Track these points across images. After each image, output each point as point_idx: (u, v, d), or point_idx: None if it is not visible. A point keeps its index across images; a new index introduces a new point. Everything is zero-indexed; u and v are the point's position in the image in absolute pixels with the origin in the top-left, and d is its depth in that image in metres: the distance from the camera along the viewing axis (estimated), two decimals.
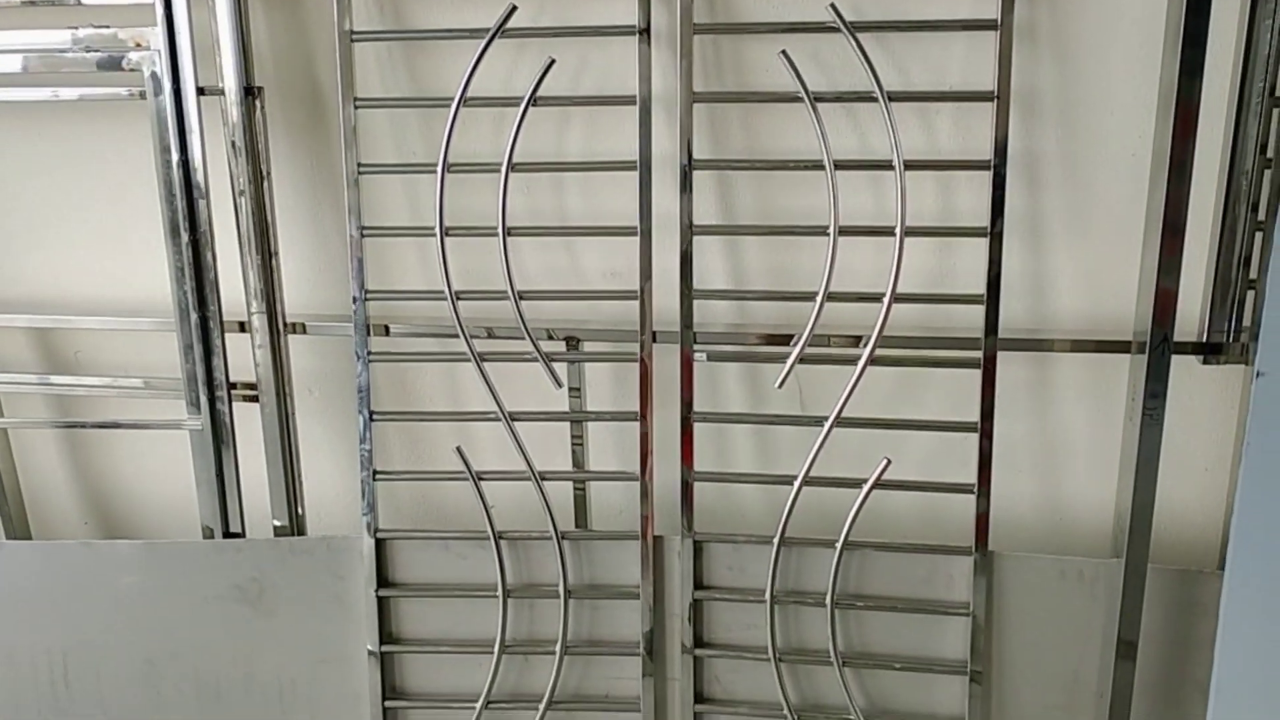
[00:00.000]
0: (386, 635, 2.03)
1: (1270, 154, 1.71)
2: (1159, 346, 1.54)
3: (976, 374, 1.81)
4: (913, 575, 1.90)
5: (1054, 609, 1.86)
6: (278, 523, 2.05)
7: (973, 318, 1.81)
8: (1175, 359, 1.83)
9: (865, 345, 1.78)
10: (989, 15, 1.73)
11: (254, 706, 2.08)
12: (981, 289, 1.78)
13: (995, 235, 1.76)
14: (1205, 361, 1.83)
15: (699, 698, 1.99)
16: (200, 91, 1.87)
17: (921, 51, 1.81)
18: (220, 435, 2.01)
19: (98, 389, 2.12)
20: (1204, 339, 1.81)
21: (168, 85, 1.85)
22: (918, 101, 1.82)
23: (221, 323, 1.97)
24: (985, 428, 1.82)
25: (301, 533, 2.07)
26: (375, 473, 1.97)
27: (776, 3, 1.81)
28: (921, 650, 1.92)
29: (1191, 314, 1.83)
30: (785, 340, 1.88)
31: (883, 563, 1.91)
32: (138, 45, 1.85)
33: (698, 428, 1.92)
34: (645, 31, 1.78)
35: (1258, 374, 1.40)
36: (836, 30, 1.73)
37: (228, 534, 2.05)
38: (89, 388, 2.12)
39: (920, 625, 1.91)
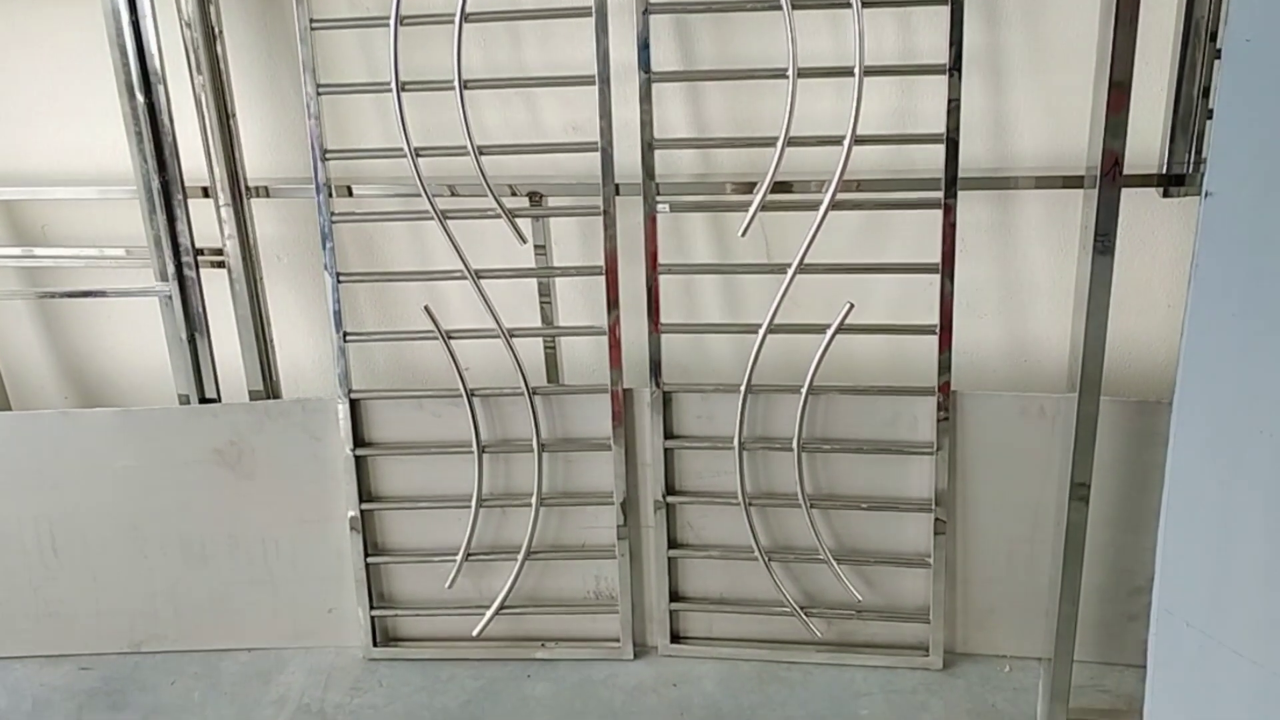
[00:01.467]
0: (365, 494, 2.07)
1: None
2: (1110, 172, 1.53)
3: (938, 213, 1.81)
4: (878, 417, 1.93)
5: (1015, 444, 1.89)
6: (253, 388, 2.07)
7: (935, 159, 1.80)
8: (1137, 193, 1.85)
9: (827, 190, 1.78)
10: None
11: (239, 567, 2.13)
12: (942, 129, 1.77)
13: (954, 72, 1.74)
14: (1166, 194, 1.84)
15: (672, 543, 2.04)
16: None
17: None
18: (189, 302, 2.02)
19: (66, 259, 2.12)
20: (1164, 170, 1.81)
21: None
22: None
23: (184, 187, 1.97)
24: (946, 269, 1.82)
25: (276, 396, 2.10)
26: (346, 334, 1.98)
27: None
28: (888, 490, 1.96)
29: (1151, 148, 1.83)
30: (748, 189, 1.88)
31: (848, 406, 1.93)
32: None
33: (665, 280, 1.93)
34: None
35: (1206, 194, 1.39)
36: None
37: (203, 400, 2.08)
38: (57, 258, 2.12)
39: (886, 466, 1.95)
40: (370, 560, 2.09)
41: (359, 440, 2.03)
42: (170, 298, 2.01)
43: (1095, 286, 1.61)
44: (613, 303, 1.91)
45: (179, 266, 1.99)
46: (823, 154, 1.81)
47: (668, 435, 1.98)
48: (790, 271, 1.84)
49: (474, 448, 1.99)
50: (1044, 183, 1.85)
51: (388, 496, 2.08)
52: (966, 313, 1.99)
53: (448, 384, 1.98)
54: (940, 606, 1.97)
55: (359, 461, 2.04)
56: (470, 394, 1.97)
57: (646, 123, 1.83)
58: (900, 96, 1.89)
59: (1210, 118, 1.76)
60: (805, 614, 2.01)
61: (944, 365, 1.86)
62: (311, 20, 1.85)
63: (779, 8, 1.73)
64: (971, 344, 2.03)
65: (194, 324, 2.03)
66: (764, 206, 1.82)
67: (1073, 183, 1.85)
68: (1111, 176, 1.54)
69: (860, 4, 1.71)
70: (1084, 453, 1.73)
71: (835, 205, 1.80)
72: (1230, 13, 1.37)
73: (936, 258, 1.82)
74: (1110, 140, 1.57)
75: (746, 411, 1.92)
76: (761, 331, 1.87)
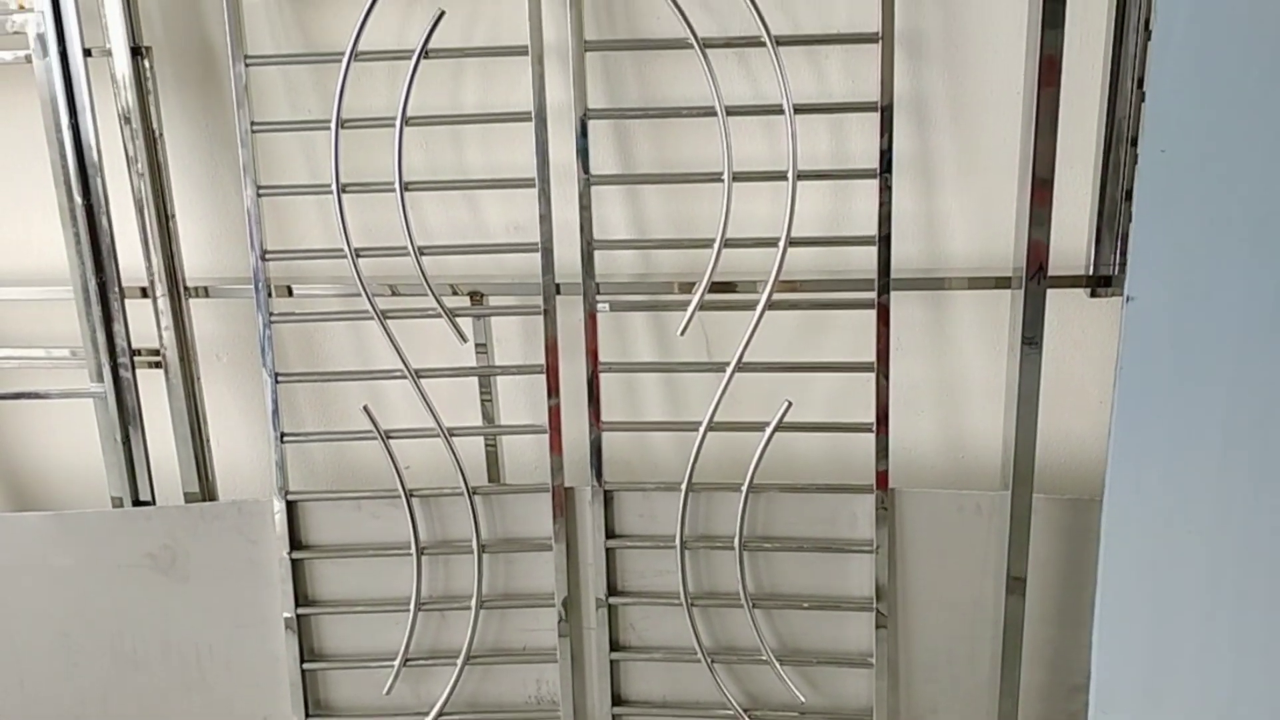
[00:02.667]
0: (302, 598, 2.03)
1: (1144, 86, 1.74)
2: (1035, 276, 1.57)
3: (872, 313, 1.84)
4: (818, 515, 1.93)
5: (953, 542, 1.90)
6: (188, 490, 2.04)
7: (868, 258, 1.83)
8: (1065, 293, 1.89)
9: (763, 290, 1.81)
10: None
11: (172, 673, 2.08)
12: (874, 230, 1.81)
13: (884, 176, 1.79)
14: (1093, 295, 1.88)
15: (614, 645, 2.01)
16: (87, 53, 1.85)
17: None
18: (125, 403, 2.00)
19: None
20: (1091, 272, 1.85)
21: (54, 47, 1.83)
22: (805, 45, 1.84)
23: (121, 289, 1.96)
24: (881, 367, 1.85)
25: (213, 498, 2.07)
26: (283, 435, 1.97)
27: None
28: (829, 589, 1.96)
29: (1078, 249, 1.88)
30: (688, 288, 1.90)
31: (788, 504, 1.94)
32: (21, 7, 1.82)
33: (607, 378, 1.94)
34: None
35: (1128, 299, 1.44)
36: None
37: (137, 502, 2.04)
38: None
39: (827, 564, 1.95)
40: (306, 666, 2.04)
41: (295, 543, 2.00)
42: (105, 398, 1.99)
43: (1024, 386, 1.64)
44: (554, 406, 1.92)
45: (115, 367, 1.97)
46: (760, 253, 1.84)
47: (609, 534, 1.97)
48: (729, 370, 1.85)
49: (413, 549, 1.97)
50: (976, 283, 1.89)
51: (325, 600, 2.04)
52: (904, 409, 2.01)
53: (387, 484, 1.96)
54: (883, 706, 1.95)
55: (295, 564, 2.01)
56: (409, 494, 1.95)
57: (586, 223, 1.85)
58: (834, 198, 1.93)
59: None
60: (749, 716, 1.98)
61: (881, 463, 1.88)
62: (253, 123, 1.86)
63: (714, 114, 1.77)
64: (910, 440, 2.05)
65: (128, 425, 2.01)
66: (703, 305, 1.84)
67: (1004, 283, 1.88)
68: (1036, 279, 1.58)
69: (792, 110, 1.76)
70: (1019, 550, 1.75)
71: (772, 305, 1.82)
72: (1145, 124, 1.43)
73: (872, 356, 1.85)
74: (1033, 243, 1.61)
75: (688, 510, 1.92)
76: (701, 429, 1.88)
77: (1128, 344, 1.46)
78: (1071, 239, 1.87)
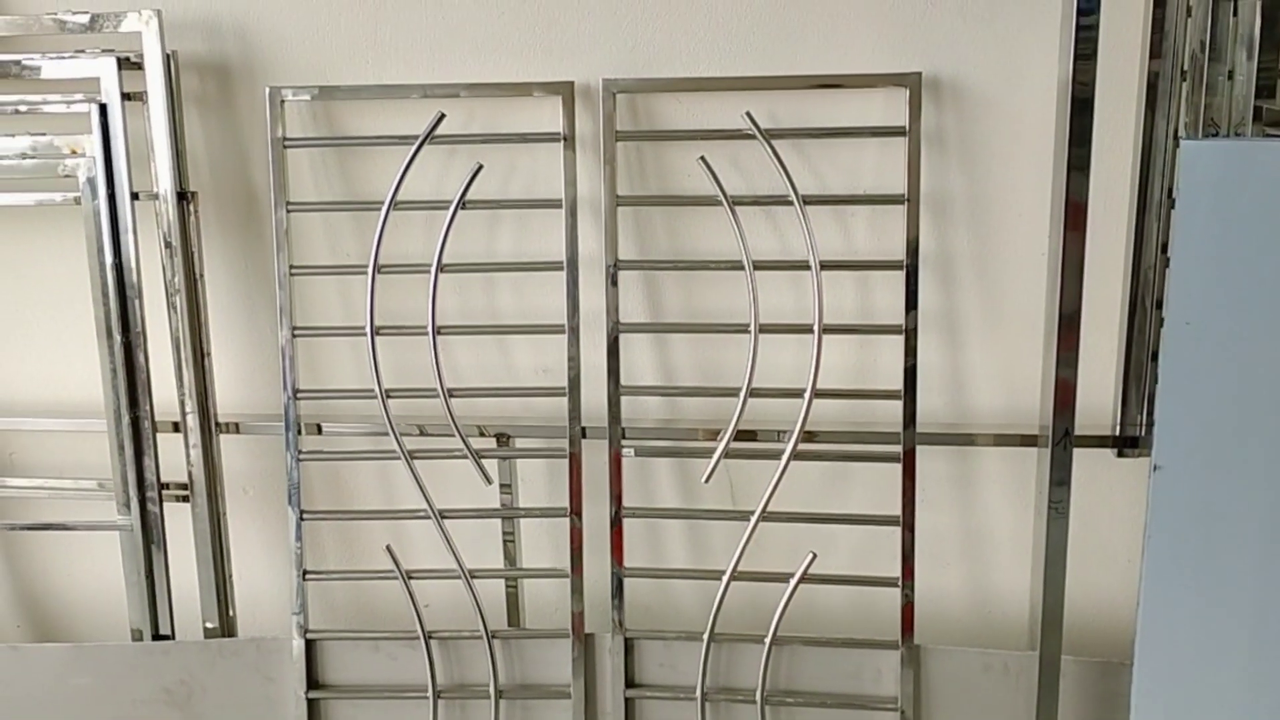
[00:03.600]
0: None
1: (1169, 253, 1.77)
2: (1061, 441, 1.58)
3: (897, 466, 1.84)
4: (841, 669, 1.91)
5: (979, 702, 1.87)
6: (209, 624, 2.04)
7: (893, 411, 1.85)
8: (1092, 452, 1.88)
9: (788, 440, 1.82)
10: (898, 122, 1.80)
11: None
12: (899, 384, 1.83)
13: (909, 332, 1.81)
14: (1120, 455, 1.88)
15: None
16: (134, 197, 1.90)
17: (835, 155, 1.87)
18: (150, 536, 2.01)
19: (28, 490, 2.11)
20: (1118, 432, 1.85)
21: (103, 191, 1.89)
22: (832, 205, 1.88)
23: (154, 423, 1.98)
24: (907, 520, 1.84)
25: (233, 634, 2.06)
26: (305, 573, 1.97)
27: (695, 111, 1.88)
28: None
29: (1105, 408, 1.88)
30: (713, 435, 1.92)
31: (812, 657, 1.91)
32: (74, 152, 1.89)
33: (630, 523, 1.94)
34: (569, 139, 1.84)
35: (1155, 467, 1.43)
36: (753, 137, 1.80)
37: (157, 635, 2.04)
38: (19, 489, 2.12)
39: None
40: None
41: (313, 682, 1.99)
42: (131, 530, 2.00)
43: (1051, 549, 1.63)
44: (576, 549, 1.92)
45: (143, 500, 1.99)
46: (786, 403, 1.86)
47: (629, 683, 1.95)
48: (753, 519, 1.85)
49: (430, 693, 1.95)
50: (1002, 440, 1.89)
51: None
52: (929, 563, 1.99)
53: (407, 624, 1.95)
54: None
55: (311, 704, 1.99)
56: (428, 636, 1.94)
57: (614, 369, 1.88)
58: (860, 350, 1.95)
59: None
60: None
61: (907, 619, 1.86)
62: (292, 266, 1.91)
63: (742, 268, 1.81)
64: (935, 593, 2.02)
65: (152, 558, 2.01)
66: (728, 454, 1.85)
67: (1029, 440, 1.88)
68: (1063, 444, 1.58)
69: (819, 267, 1.79)
70: (1047, 714, 1.71)
71: (797, 455, 1.83)
72: (1170, 295, 1.44)
73: (897, 508, 1.85)
74: (1060, 399, 1.62)
75: (709, 661, 1.90)
76: (725, 579, 1.87)
77: (1155, 513, 1.45)
78: (1098, 396, 1.88)
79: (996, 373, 1.94)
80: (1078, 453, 1.76)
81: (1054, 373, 1.64)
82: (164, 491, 2.01)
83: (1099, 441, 1.87)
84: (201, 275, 1.95)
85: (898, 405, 1.83)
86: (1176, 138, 1.73)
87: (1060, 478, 1.59)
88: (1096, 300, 1.83)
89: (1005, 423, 1.94)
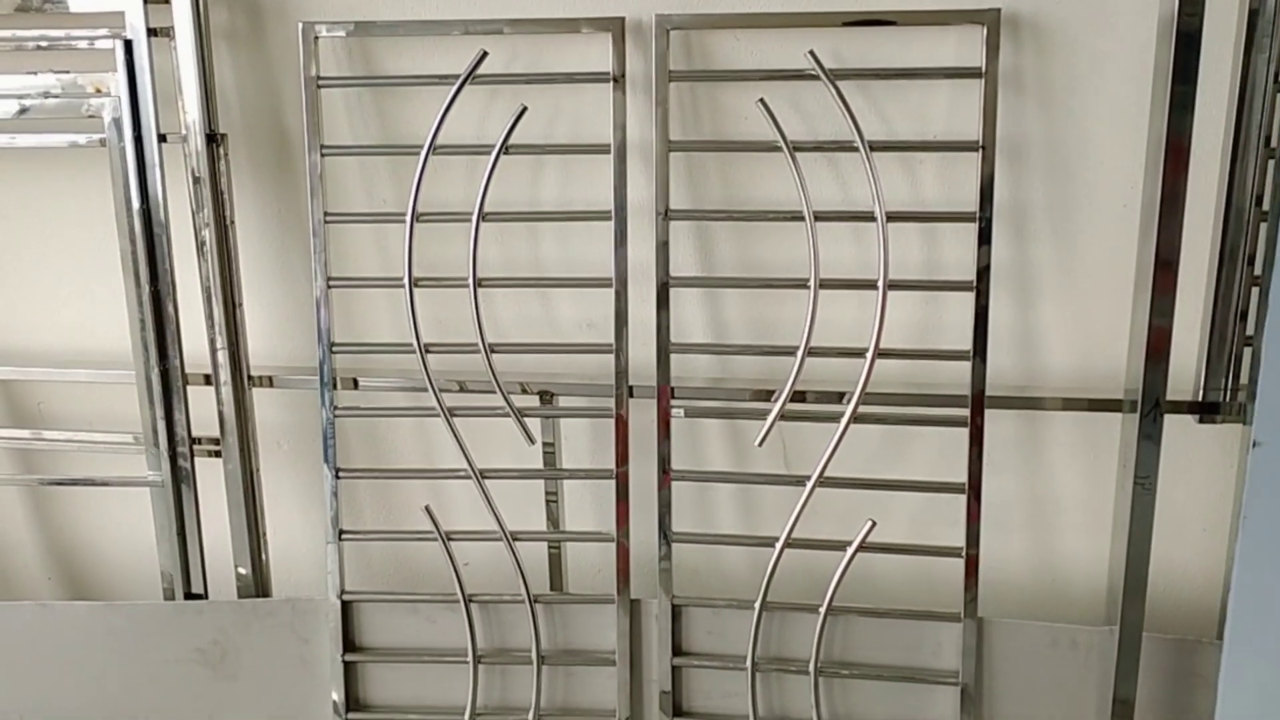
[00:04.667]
0: (353, 701, 1.95)
1: (1266, 206, 1.64)
2: (1150, 412, 1.46)
3: (963, 431, 1.74)
4: (899, 642, 1.82)
5: (1046, 678, 1.78)
6: (242, 583, 1.97)
7: (959, 372, 1.74)
8: (1170, 418, 1.77)
9: (848, 402, 1.72)
10: (973, 63, 1.67)
11: None
12: (968, 344, 1.72)
13: (981, 290, 1.70)
14: (1201, 421, 1.76)
15: None
16: (162, 139, 1.81)
17: (903, 98, 1.75)
18: (181, 492, 1.94)
19: (59, 444, 2.05)
20: (1200, 398, 1.74)
21: (129, 132, 1.80)
22: (901, 151, 1.76)
23: (184, 375, 1.91)
24: (973, 489, 1.75)
25: (266, 592, 2.00)
26: (341, 532, 1.90)
27: (755, 49, 1.76)
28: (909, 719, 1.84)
29: (1186, 371, 1.76)
30: (767, 395, 1.82)
31: (868, 628, 1.83)
32: (98, 91, 1.80)
33: (677, 485, 1.85)
34: (619, 79, 1.72)
35: (1254, 443, 1.33)
36: (816, 78, 1.68)
37: (189, 594, 1.98)
38: (49, 442, 2.05)
39: (907, 694, 1.83)
40: None
41: (349, 644, 1.93)
42: (163, 486, 1.93)
43: (1136, 526, 1.53)
44: (622, 514, 1.83)
45: (174, 456, 1.92)
46: (843, 362, 1.76)
47: (676, 651, 1.87)
48: (809, 485, 1.76)
49: (470, 657, 1.88)
50: (1072, 405, 1.78)
51: (377, 705, 1.96)
52: (992, 529, 1.89)
53: (446, 586, 1.88)
54: None
55: (348, 667, 1.93)
56: (468, 600, 1.87)
57: (664, 326, 1.78)
58: (925, 306, 1.84)
59: (1248, 344, 1.70)
60: None
61: (970, 591, 1.76)
62: (326, 213, 1.82)
63: (801, 219, 1.70)
64: (997, 561, 1.93)
65: (184, 516, 1.95)
66: (782, 416, 1.75)
67: (1100, 405, 1.77)
68: (1152, 416, 1.47)
69: (885, 219, 1.68)
70: (1125, 692, 1.62)
71: (857, 419, 1.73)
72: (1272, 258, 1.32)
73: (960, 470, 1.75)
74: (1149, 380, 1.51)
75: (760, 630, 1.82)
76: (779, 546, 1.78)
77: (1253, 491, 1.35)
78: (1179, 358, 1.75)
79: (1069, 331, 1.82)
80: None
81: (1145, 332, 1.52)
82: (195, 446, 1.94)
83: (1178, 407, 1.75)
84: (232, 221, 1.86)
85: (961, 364, 1.73)
86: (1278, 80, 1.60)
87: (1148, 451, 1.48)
88: (1181, 262, 1.71)
89: (1077, 385, 1.83)
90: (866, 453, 1.88)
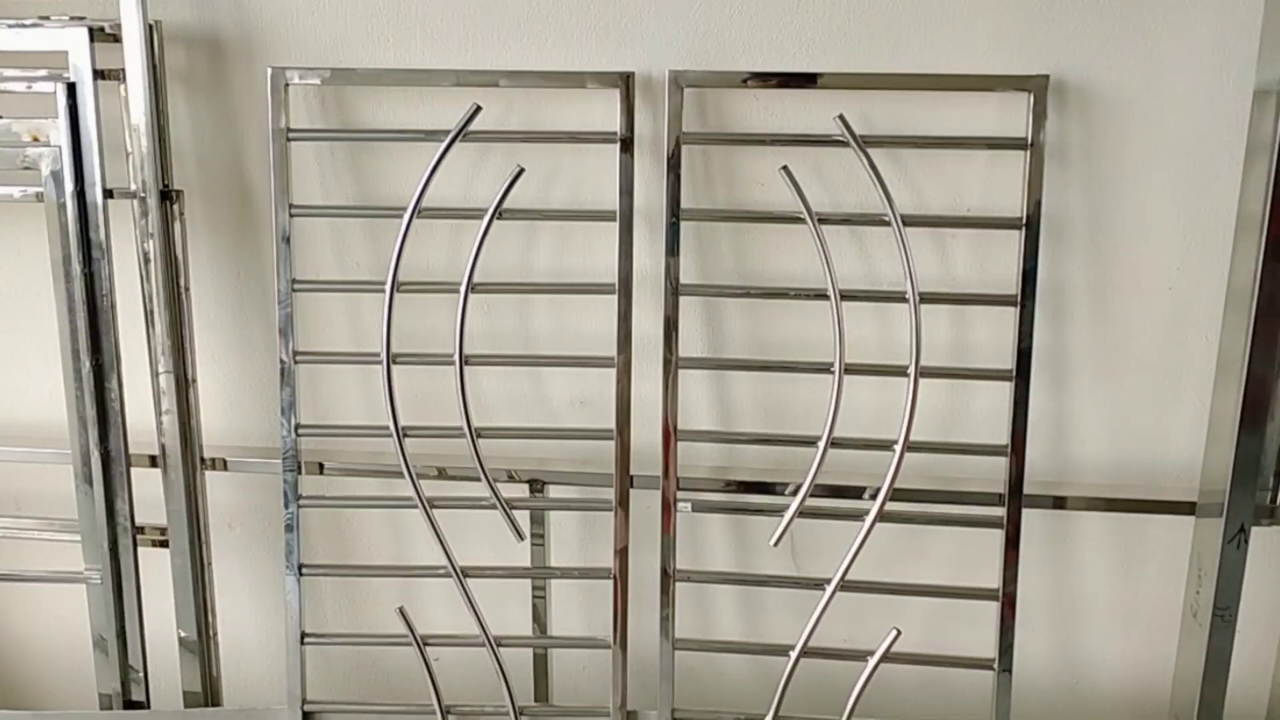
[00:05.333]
0: None
1: None
2: (1235, 538, 1.32)
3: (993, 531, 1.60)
4: None
5: None
6: (189, 689, 1.76)
7: (990, 464, 1.60)
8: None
9: (870, 498, 1.58)
10: (1016, 132, 1.53)
11: None
12: (1000, 433, 1.58)
13: (1021, 381, 1.55)
14: (1257, 523, 1.61)
15: None
16: (108, 194, 1.61)
17: (937, 166, 1.60)
18: (122, 588, 1.73)
19: None
20: (1275, 500, 1.57)
21: (69, 186, 1.59)
22: (936, 227, 1.61)
23: (128, 458, 1.70)
24: (1008, 595, 1.60)
25: (217, 701, 1.78)
26: (304, 635, 1.70)
27: (774, 110, 1.60)
28: None
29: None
30: (775, 486, 1.66)
31: None
32: (35, 139, 1.59)
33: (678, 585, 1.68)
34: (627, 140, 1.56)
35: None
36: (843, 144, 1.52)
37: (129, 703, 1.76)
38: None
39: None
40: None
41: None
42: (102, 582, 1.71)
43: (1211, 666, 1.37)
44: (620, 619, 1.66)
45: (114, 548, 1.71)
46: (862, 452, 1.60)
47: None
48: (829, 590, 1.60)
49: None
50: (1115, 504, 1.64)
51: None
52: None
53: (420, 694, 1.69)
54: None
55: None
56: (445, 711, 1.68)
57: (671, 412, 1.61)
58: (951, 390, 1.68)
59: None
60: None
61: (1001, 707, 1.61)
62: (293, 281, 1.63)
63: (826, 298, 1.54)
64: (1019, 662, 1.78)
65: (125, 615, 1.73)
66: (799, 512, 1.59)
67: (1140, 506, 1.64)
68: (1236, 543, 1.32)
69: (918, 300, 1.53)
70: None
71: (883, 517, 1.57)
72: None
73: (984, 568, 1.62)
74: (1237, 503, 1.35)
75: None
76: (794, 655, 1.62)
77: None
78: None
79: (1106, 421, 1.68)
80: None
81: (1233, 443, 1.35)
82: (139, 535, 1.73)
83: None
84: (186, 288, 1.66)
85: (995, 460, 1.59)
86: None
87: (1230, 578, 1.34)
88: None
89: (1113, 479, 1.69)
90: (881, 546, 1.72)
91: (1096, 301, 1.64)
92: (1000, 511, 1.60)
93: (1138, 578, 1.72)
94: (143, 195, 1.60)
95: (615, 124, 1.56)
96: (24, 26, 1.57)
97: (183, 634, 1.75)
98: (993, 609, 1.61)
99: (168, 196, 1.62)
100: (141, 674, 1.76)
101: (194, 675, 1.76)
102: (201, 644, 1.76)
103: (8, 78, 1.59)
